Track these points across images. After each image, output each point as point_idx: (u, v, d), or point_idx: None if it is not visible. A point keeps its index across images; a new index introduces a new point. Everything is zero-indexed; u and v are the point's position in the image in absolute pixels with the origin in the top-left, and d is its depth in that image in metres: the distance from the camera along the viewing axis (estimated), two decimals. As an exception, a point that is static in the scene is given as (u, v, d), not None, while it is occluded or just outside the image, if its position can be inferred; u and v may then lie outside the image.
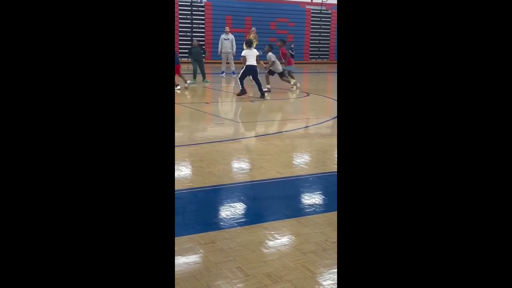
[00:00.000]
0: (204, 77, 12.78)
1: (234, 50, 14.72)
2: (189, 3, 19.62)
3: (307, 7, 21.98)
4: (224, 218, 3.28)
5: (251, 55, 10.06)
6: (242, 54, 10.33)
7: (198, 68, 12.65)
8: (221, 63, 15.29)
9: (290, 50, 20.91)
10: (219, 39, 15.03)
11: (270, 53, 11.11)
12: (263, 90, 10.22)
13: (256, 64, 10.10)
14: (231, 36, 14.87)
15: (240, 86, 10.05)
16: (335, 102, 9.28)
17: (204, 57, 12.87)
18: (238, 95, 10.00)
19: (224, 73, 14.94)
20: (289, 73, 11.95)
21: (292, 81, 11.63)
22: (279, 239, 2.95)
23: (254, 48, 10.48)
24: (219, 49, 14.90)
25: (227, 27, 15.72)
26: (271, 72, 11.15)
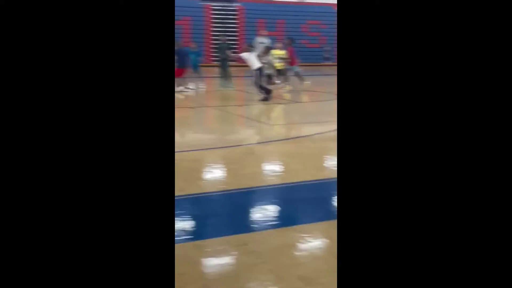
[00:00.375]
0: (226, 79, 12.34)
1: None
2: (222, 8, 19.79)
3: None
4: (256, 220, 3.29)
5: (253, 58, 10.07)
6: (245, 57, 10.19)
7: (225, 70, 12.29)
8: None
9: (325, 53, 20.55)
10: (252, 43, 14.93)
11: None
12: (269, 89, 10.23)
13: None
14: (267, 40, 14.65)
15: (263, 92, 9.95)
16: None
17: (229, 55, 12.27)
18: (263, 100, 9.85)
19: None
20: (296, 74, 11.63)
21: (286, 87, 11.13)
22: (311, 242, 2.93)
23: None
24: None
25: (264, 31, 15.45)
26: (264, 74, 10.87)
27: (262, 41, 14.50)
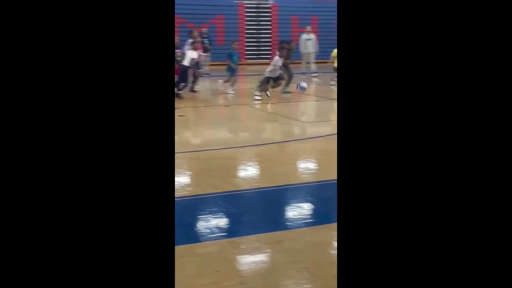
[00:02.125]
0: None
1: (317, 50, 14.15)
2: (255, 5, 19.80)
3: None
4: (291, 218, 3.28)
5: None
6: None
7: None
8: (300, 63, 14.66)
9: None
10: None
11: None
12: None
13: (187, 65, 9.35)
14: (313, 36, 14.37)
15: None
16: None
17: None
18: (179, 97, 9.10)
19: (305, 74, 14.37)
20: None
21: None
22: (347, 240, 2.90)
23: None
24: (301, 50, 14.36)
25: (309, 27, 15.04)
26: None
27: (309, 37, 14.17)
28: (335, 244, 2.85)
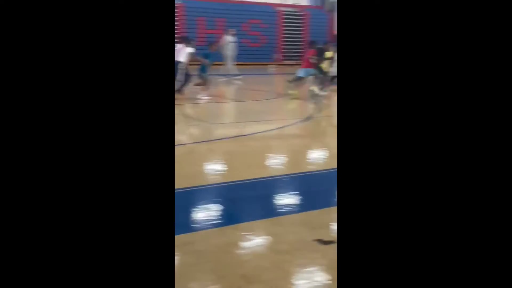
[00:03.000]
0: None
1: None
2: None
3: (279, 9, 22.05)
4: (198, 219, 3.26)
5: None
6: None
7: None
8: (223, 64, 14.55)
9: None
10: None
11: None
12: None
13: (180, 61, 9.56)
14: (235, 39, 14.43)
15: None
16: (307, 104, 9.34)
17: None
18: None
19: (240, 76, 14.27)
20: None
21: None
22: (253, 239, 2.95)
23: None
24: (224, 52, 14.25)
25: (233, 29, 15.05)
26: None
27: (233, 40, 14.18)
28: (241, 244, 2.87)
